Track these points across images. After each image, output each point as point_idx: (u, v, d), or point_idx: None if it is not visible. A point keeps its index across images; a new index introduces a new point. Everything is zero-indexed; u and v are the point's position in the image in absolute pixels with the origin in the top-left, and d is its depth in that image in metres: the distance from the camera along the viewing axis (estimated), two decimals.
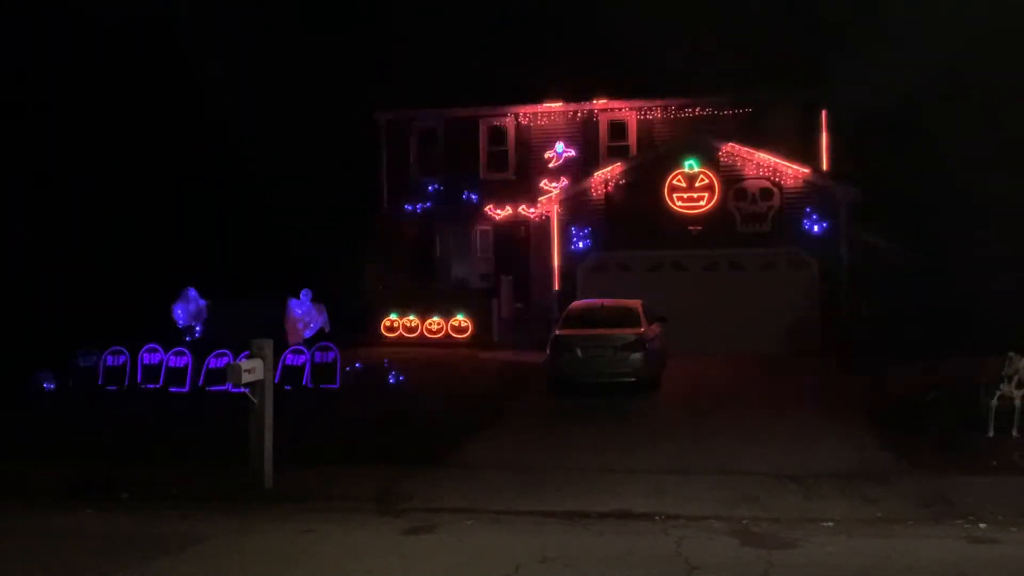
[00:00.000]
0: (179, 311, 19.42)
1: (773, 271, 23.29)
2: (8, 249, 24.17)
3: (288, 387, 17.33)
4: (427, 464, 11.42)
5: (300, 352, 18.29)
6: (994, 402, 12.39)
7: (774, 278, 23.16)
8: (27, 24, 29.18)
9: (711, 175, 23.49)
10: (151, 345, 18.77)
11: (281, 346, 17.64)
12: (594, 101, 26.92)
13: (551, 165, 27.18)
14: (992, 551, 7.89)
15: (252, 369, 10.06)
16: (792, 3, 27.23)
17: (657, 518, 8.95)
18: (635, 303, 18.12)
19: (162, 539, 8.59)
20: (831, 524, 8.69)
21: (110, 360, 18.72)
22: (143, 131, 29.53)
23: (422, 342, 25.84)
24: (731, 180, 23.46)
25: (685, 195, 23.59)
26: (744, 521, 8.83)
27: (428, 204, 28.07)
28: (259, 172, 29.65)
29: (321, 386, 17.75)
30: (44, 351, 18.81)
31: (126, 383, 18.46)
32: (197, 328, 19.51)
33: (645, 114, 26.65)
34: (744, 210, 23.38)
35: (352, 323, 23.97)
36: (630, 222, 23.72)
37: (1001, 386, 12.34)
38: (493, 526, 8.88)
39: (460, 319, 25.96)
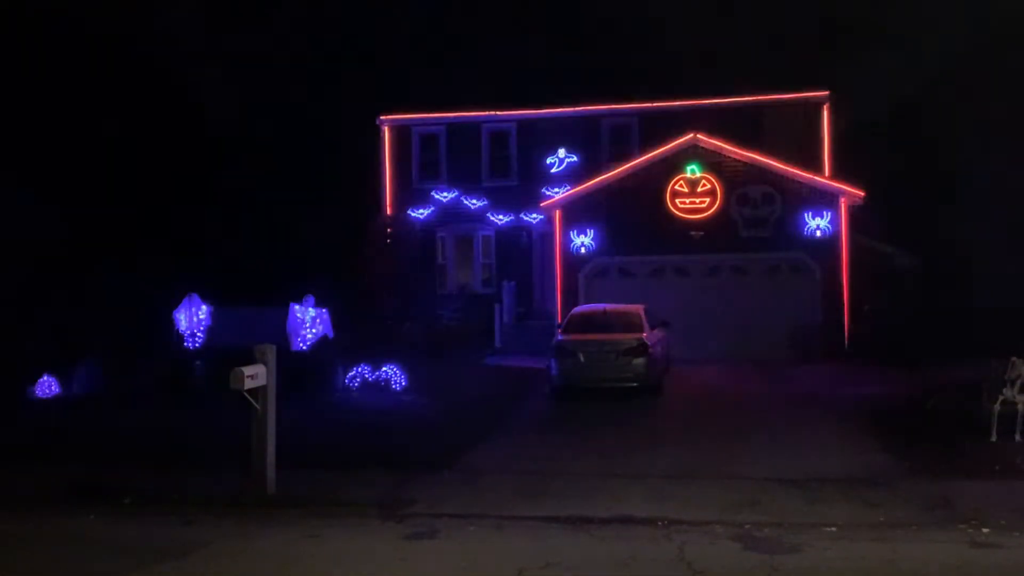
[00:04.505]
0: (182, 317, 19.42)
1: (775, 276, 23.28)
2: (12, 254, 24.21)
3: (291, 393, 17.29)
4: (430, 469, 11.43)
5: (303, 358, 18.27)
6: (997, 406, 12.39)
7: (776, 283, 23.16)
8: (34, 31, 29.29)
9: (713, 180, 23.49)
10: (155, 351, 18.77)
11: (284, 352, 17.59)
12: (596, 106, 26.93)
13: (553, 170, 27.20)
14: (994, 556, 7.88)
15: (255, 375, 10.08)
16: (795, 7, 27.32)
17: (659, 523, 8.94)
18: (637, 308, 18.15)
19: (165, 544, 8.60)
20: (833, 529, 8.69)
21: (113, 365, 18.72)
22: (146, 136, 29.61)
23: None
24: (733, 185, 23.44)
25: (687, 200, 23.59)
26: (746, 526, 8.83)
27: (431, 209, 28.11)
28: (263, 178, 29.73)
29: (324, 392, 17.74)
30: (48, 356, 18.83)
31: (130, 388, 18.45)
32: (200, 334, 19.51)
33: (647, 119, 26.63)
34: (746, 215, 23.37)
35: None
36: (632, 227, 23.72)
37: (1004, 390, 12.35)
38: (495, 531, 8.88)
39: (463, 325, 25.92)
